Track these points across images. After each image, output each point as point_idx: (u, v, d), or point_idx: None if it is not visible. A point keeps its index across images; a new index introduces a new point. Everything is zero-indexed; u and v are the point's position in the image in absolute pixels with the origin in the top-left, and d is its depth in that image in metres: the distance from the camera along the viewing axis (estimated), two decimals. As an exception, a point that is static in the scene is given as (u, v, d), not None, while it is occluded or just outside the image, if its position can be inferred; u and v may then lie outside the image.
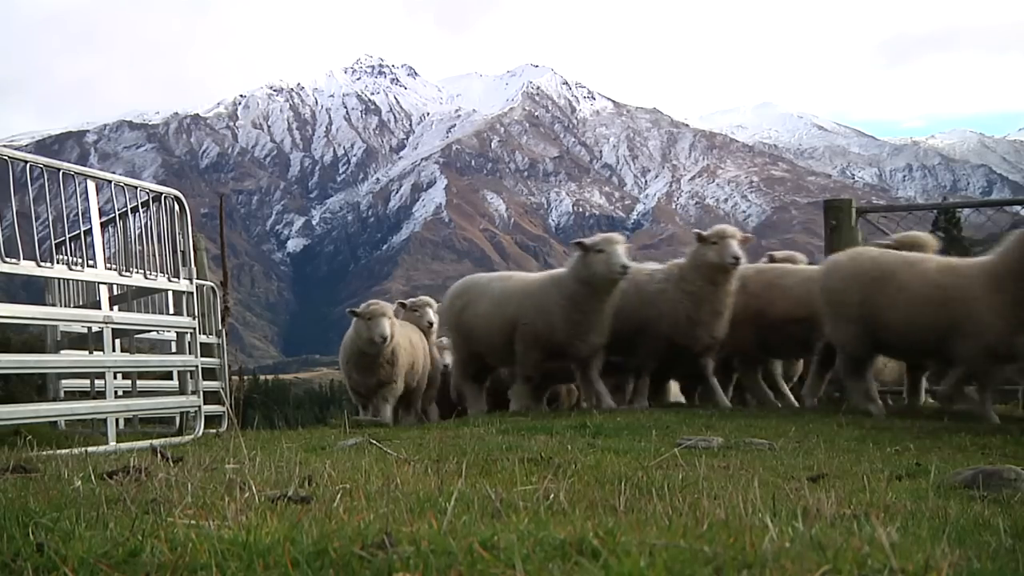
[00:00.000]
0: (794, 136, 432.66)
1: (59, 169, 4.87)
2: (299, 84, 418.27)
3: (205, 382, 5.90)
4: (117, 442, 4.91)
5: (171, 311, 6.51)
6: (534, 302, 7.12)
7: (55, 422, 6.16)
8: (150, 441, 4.97)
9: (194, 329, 5.76)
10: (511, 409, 7.31)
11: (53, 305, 6.51)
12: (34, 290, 8.49)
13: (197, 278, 6.24)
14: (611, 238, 6.81)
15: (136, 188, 5.64)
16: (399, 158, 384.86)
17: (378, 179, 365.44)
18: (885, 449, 4.34)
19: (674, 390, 8.24)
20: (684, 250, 7.74)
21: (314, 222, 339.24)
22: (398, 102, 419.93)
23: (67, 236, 6.41)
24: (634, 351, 7.31)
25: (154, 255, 5.54)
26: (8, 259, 4.47)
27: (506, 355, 7.52)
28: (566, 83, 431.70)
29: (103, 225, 5.87)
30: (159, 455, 3.58)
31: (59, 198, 4.82)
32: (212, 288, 7.50)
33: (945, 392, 6.43)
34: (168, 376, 6.89)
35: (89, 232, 5.53)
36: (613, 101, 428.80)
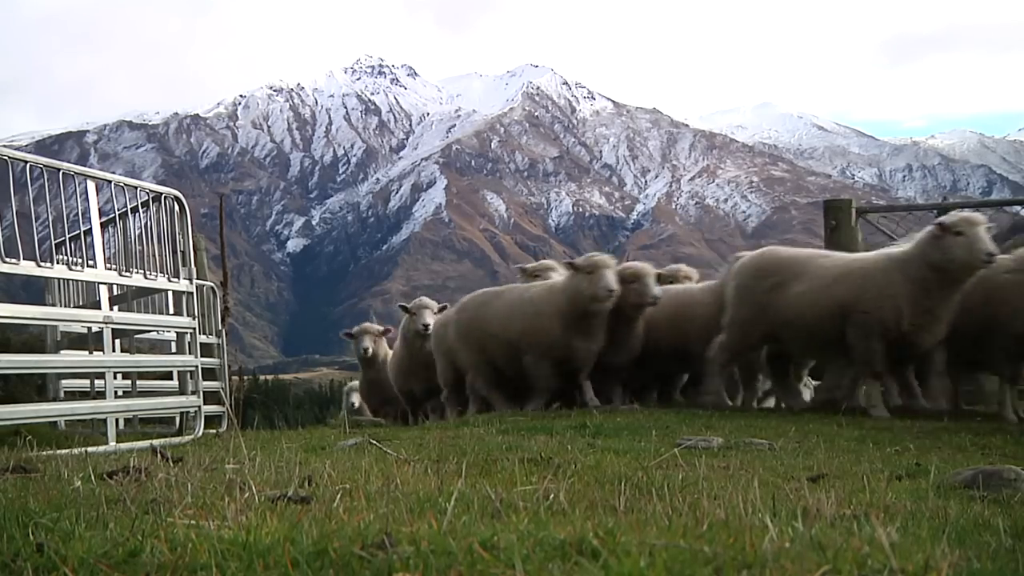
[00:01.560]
0: (794, 136, 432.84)
1: (59, 169, 4.88)
2: (299, 84, 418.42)
3: (205, 382, 5.91)
4: (117, 442, 4.92)
5: (171, 311, 6.51)
6: (875, 286, 6.22)
7: (55, 422, 6.16)
8: (150, 441, 4.97)
9: (194, 329, 5.76)
10: (860, 406, 6.41)
11: (53, 305, 6.51)
12: (34, 290, 8.50)
13: (197, 278, 6.24)
14: (973, 219, 5.94)
15: (136, 188, 5.64)
16: (399, 158, 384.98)
17: (378, 179, 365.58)
18: (885, 449, 4.35)
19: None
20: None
21: (314, 222, 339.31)
22: (398, 102, 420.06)
23: (67, 236, 6.42)
24: (970, 352, 6.49)
25: (154, 255, 5.55)
26: (8, 259, 4.47)
27: (816, 344, 6.73)
28: (566, 83, 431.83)
29: (103, 225, 5.88)
30: (159, 455, 3.58)
31: (59, 198, 4.83)
32: (212, 288, 7.51)
33: None
34: (168, 376, 6.89)
35: (89, 232, 5.54)
36: (613, 101, 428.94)
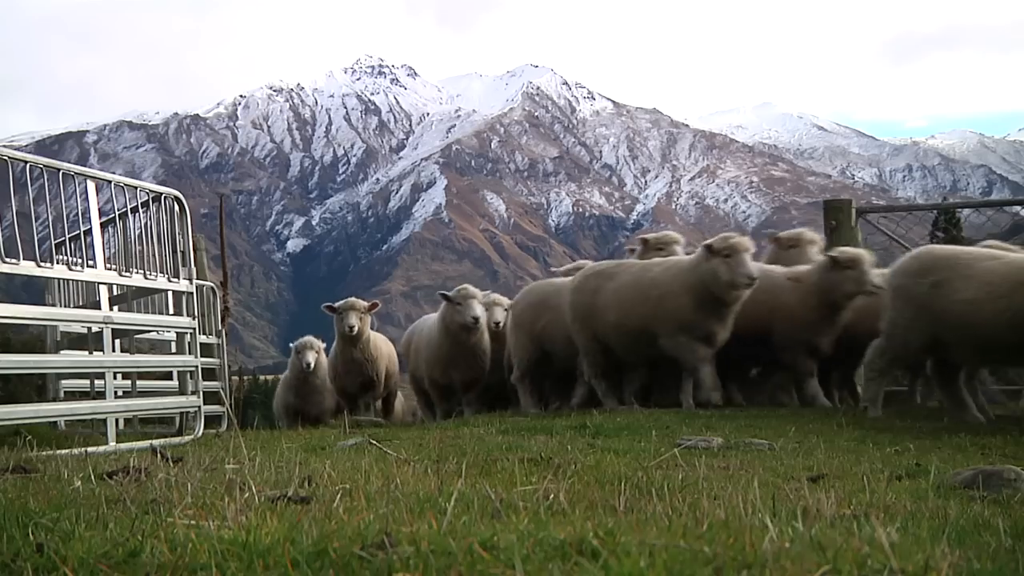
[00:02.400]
0: (794, 136, 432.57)
1: (59, 169, 4.88)
2: (299, 84, 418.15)
3: (205, 382, 5.91)
4: (117, 442, 4.92)
5: (171, 311, 6.51)
6: None
7: (55, 422, 6.17)
8: (150, 441, 4.97)
9: (194, 329, 5.76)
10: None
11: (53, 305, 6.52)
12: (34, 290, 8.48)
13: (197, 278, 6.24)
14: None
15: (136, 188, 5.64)
16: (399, 158, 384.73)
17: (378, 179, 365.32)
18: (885, 449, 4.34)
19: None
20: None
21: (314, 222, 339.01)
22: (398, 102, 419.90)
23: (67, 236, 6.42)
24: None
25: (154, 255, 5.55)
26: (8, 259, 4.47)
27: (976, 349, 5.97)
28: (566, 83, 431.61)
29: (103, 225, 5.88)
30: (159, 455, 3.58)
31: (59, 198, 4.83)
32: (212, 288, 7.52)
33: None
34: (168, 376, 6.89)
35: (89, 232, 5.54)
36: (613, 101, 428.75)
